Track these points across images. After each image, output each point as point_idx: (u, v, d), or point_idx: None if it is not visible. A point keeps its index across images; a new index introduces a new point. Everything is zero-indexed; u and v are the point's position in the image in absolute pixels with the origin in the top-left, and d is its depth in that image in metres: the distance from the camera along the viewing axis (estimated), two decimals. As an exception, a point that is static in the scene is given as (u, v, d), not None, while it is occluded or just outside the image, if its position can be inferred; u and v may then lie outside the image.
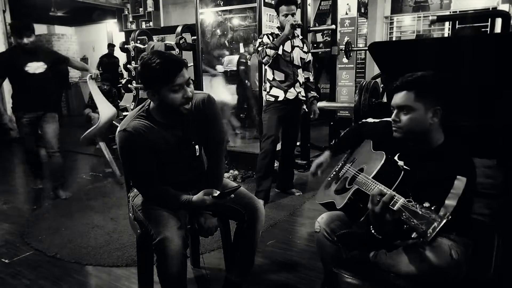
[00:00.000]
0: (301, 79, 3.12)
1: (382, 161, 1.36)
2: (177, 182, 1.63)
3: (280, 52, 3.00)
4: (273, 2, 3.75)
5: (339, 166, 1.69)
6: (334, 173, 1.67)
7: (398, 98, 1.34)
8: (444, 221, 0.98)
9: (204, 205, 1.53)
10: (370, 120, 1.67)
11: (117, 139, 1.52)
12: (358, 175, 1.42)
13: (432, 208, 1.03)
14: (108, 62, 8.09)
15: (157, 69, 1.40)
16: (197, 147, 1.67)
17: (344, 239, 1.45)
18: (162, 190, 1.58)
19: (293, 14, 2.97)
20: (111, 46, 8.41)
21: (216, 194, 1.53)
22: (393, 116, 1.36)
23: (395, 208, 1.10)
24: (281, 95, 3.05)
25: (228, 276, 1.80)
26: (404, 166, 1.37)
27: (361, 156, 1.57)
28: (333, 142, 1.75)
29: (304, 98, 3.23)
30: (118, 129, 1.54)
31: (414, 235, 1.03)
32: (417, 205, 1.06)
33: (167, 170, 1.61)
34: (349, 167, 1.56)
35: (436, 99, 1.30)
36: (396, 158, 1.41)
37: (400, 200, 1.11)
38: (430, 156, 1.33)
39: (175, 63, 1.44)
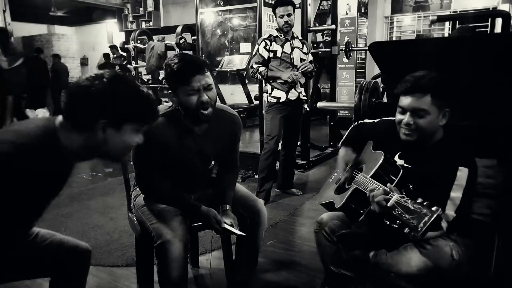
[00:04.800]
0: (301, 79, 3.12)
1: (380, 161, 1.36)
2: (184, 183, 1.62)
3: (279, 54, 3.01)
4: (273, 2, 3.75)
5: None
6: (335, 174, 1.67)
7: (413, 100, 1.29)
8: (435, 215, 1.00)
9: (209, 222, 1.53)
10: (367, 120, 1.66)
11: None
12: (357, 175, 1.43)
13: (425, 203, 1.04)
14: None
15: (174, 69, 1.40)
16: (213, 162, 1.65)
17: (344, 239, 1.45)
18: (165, 187, 1.57)
19: (289, 15, 2.97)
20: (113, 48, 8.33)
21: (224, 226, 1.53)
22: (406, 118, 1.31)
23: (388, 204, 1.12)
24: (283, 96, 3.05)
25: (232, 277, 1.79)
26: (405, 164, 1.37)
27: (363, 157, 1.57)
28: (341, 141, 1.69)
29: (305, 98, 3.24)
30: None
31: (406, 230, 1.05)
32: (410, 201, 1.07)
33: (177, 177, 1.59)
34: (349, 167, 1.56)
35: (448, 102, 1.30)
36: (397, 157, 1.41)
37: (394, 197, 1.12)
38: (430, 151, 1.34)
39: (193, 65, 1.42)
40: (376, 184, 1.27)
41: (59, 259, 1.26)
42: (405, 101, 1.32)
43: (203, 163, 1.63)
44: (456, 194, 1.21)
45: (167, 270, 1.43)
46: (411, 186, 1.32)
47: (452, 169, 1.24)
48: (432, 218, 0.99)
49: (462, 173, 1.22)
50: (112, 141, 1.08)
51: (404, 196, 1.10)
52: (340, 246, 1.46)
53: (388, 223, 1.18)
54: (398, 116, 1.35)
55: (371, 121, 1.64)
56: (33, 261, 1.24)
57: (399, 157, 1.41)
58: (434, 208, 1.02)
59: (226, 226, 1.54)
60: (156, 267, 1.47)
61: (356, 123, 1.69)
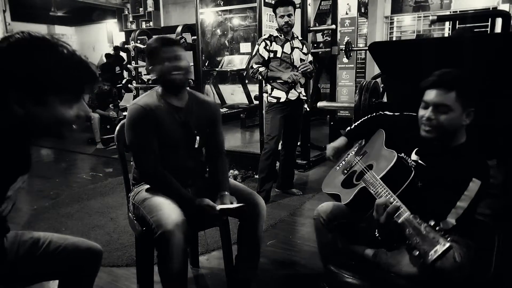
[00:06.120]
0: (301, 80, 3.12)
1: (392, 163, 1.32)
2: (177, 168, 1.67)
3: (279, 54, 3.01)
4: (273, 2, 3.75)
5: (349, 155, 1.67)
6: (343, 162, 1.66)
7: (437, 95, 1.26)
8: (447, 245, 0.96)
9: (205, 212, 1.58)
10: (387, 112, 1.64)
11: (128, 112, 1.66)
12: (366, 172, 1.40)
13: (437, 228, 1.00)
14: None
15: (152, 44, 1.69)
16: (198, 138, 1.74)
17: (341, 229, 1.45)
18: (165, 173, 1.62)
19: (289, 15, 2.98)
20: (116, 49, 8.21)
21: (219, 207, 1.57)
22: (428, 113, 1.29)
23: (399, 221, 1.09)
24: (283, 96, 3.05)
25: (235, 275, 1.79)
26: (420, 161, 1.36)
27: (372, 150, 1.55)
28: (348, 128, 1.71)
29: (305, 98, 3.24)
30: (131, 103, 1.68)
31: (416, 253, 1.01)
32: (422, 223, 1.03)
33: (169, 152, 1.67)
34: (359, 160, 1.54)
35: (472, 100, 1.28)
36: (414, 153, 1.39)
37: (405, 214, 1.09)
38: (449, 155, 1.31)
39: (168, 39, 1.71)
40: (385, 191, 1.23)
41: (73, 264, 1.24)
42: (429, 95, 1.29)
43: (188, 137, 1.72)
44: (462, 204, 1.19)
45: (167, 261, 1.44)
46: (419, 184, 1.31)
47: (467, 179, 1.21)
48: (444, 248, 0.96)
49: (474, 185, 1.20)
50: (38, 118, 0.87)
51: (416, 216, 1.06)
52: (336, 236, 1.46)
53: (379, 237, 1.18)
54: (421, 112, 1.33)
55: (391, 113, 1.62)
56: (50, 269, 1.22)
57: (416, 153, 1.39)
58: (446, 236, 0.98)
59: (221, 206, 1.58)
60: (157, 259, 1.48)
61: (374, 113, 1.67)
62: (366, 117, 1.68)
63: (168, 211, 1.50)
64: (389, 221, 1.13)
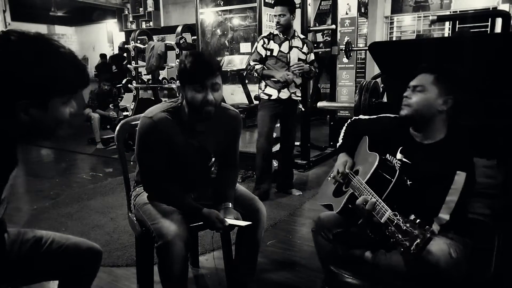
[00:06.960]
0: (297, 80, 3.11)
1: (375, 164, 1.35)
2: (183, 176, 1.64)
3: (275, 53, 3.02)
4: (273, 2, 3.76)
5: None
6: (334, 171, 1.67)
7: (417, 78, 1.39)
8: (427, 237, 1.00)
9: (212, 224, 1.53)
10: (362, 117, 1.65)
11: (140, 122, 1.53)
12: (353, 179, 1.42)
13: (417, 222, 1.05)
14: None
15: (188, 68, 1.43)
16: (213, 159, 1.68)
17: (340, 238, 1.46)
18: (168, 190, 1.57)
19: (281, 15, 2.97)
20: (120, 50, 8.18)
21: (228, 222, 1.52)
22: (406, 92, 1.40)
23: (382, 221, 1.13)
24: (274, 94, 3.07)
25: (232, 277, 1.80)
26: (404, 159, 1.38)
27: (358, 156, 1.57)
28: (338, 145, 1.67)
29: (299, 98, 3.24)
30: (144, 114, 1.53)
31: (400, 249, 1.06)
32: (402, 219, 1.08)
33: (178, 166, 1.60)
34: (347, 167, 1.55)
35: (451, 88, 1.34)
36: (398, 152, 1.42)
37: (387, 213, 1.13)
38: (432, 150, 1.35)
39: (207, 68, 1.45)
40: (369, 193, 1.26)
41: (74, 263, 1.24)
42: (413, 80, 1.40)
43: (203, 160, 1.66)
44: (451, 198, 1.23)
45: (168, 269, 1.45)
46: (409, 182, 1.33)
47: (450, 173, 1.25)
48: (424, 241, 1.01)
49: (460, 178, 1.24)
50: (41, 122, 0.90)
51: (397, 214, 1.11)
52: (336, 245, 1.46)
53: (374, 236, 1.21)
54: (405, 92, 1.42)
55: (366, 117, 1.64)
56: (52, 268, 1.23)
57: (400, 152, 1.41)
58: (426, 228, 1.03)
59: (229, 221, 1.54)
60: (157, 266, 1.49)
61: (349, 120, 1.68)
62: (345, 127, 1.67)
63: (169, 219, 1.48)
64: (371, 218, 1.18)
